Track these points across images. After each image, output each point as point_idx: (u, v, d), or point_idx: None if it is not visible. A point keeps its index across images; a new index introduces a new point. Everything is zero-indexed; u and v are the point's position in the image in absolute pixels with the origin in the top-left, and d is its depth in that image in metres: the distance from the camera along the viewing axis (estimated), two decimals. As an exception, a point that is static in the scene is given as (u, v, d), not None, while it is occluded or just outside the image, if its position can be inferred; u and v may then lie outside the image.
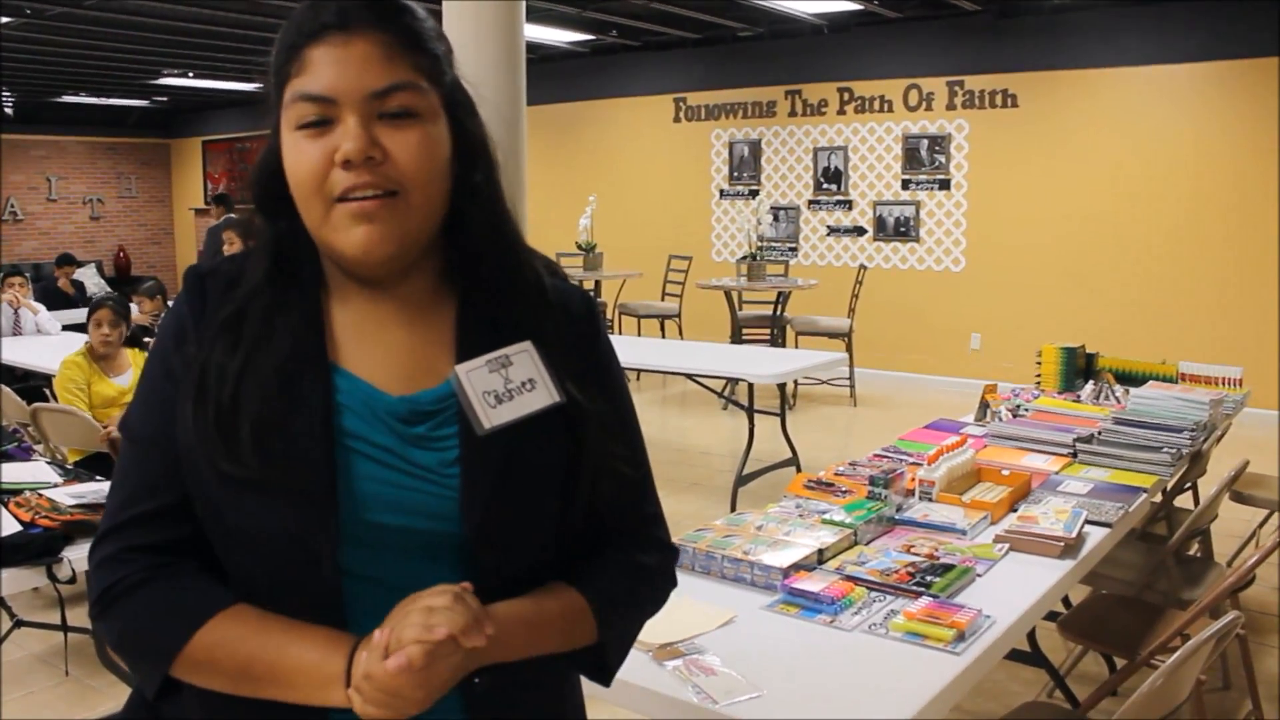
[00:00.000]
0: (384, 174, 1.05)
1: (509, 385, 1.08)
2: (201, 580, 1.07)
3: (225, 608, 1.05)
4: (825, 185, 10.02)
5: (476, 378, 1.07)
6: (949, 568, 2.23)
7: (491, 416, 1.06)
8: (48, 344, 7.02)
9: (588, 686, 1.27)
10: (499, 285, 1.15)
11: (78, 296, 10.43)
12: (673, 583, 1.28)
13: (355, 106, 1.04)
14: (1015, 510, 2.68)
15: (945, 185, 9.33)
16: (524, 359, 1.09)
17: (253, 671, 1.02)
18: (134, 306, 7.41)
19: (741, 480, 5.79)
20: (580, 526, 1.18)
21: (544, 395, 1.09)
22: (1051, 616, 3.13)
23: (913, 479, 2.75)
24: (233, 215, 10.96)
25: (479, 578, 1.07)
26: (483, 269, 1.15)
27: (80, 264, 12.27)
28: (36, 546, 2.67)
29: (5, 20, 8.32)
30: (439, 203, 1.10)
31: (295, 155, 1.06)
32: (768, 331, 8.69)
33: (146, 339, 5.18)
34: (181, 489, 1.08)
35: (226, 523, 1.06)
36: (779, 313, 8.65)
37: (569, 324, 1.19)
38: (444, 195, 1.11)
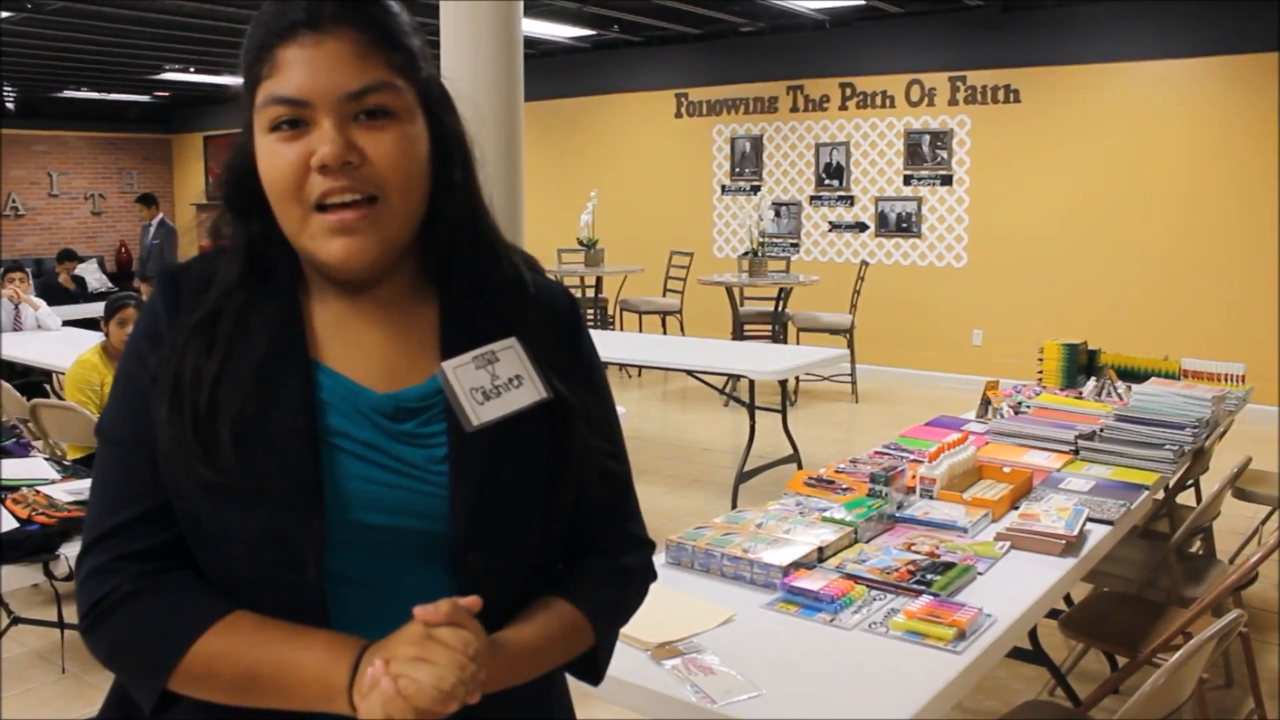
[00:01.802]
0: (362, 177, 1.02)
1: (496, 382, 1.06)
2: (196, 589, 1.04)
3: (222, 616, 1.02)
4: (827, 181, 10.00)
5: (464, 374, 1.05)
6: (950, 566, 2.22)
7: (480, 413, 1.04)
8: (49, 339, 7.02)
9: (585, 687, 1.26)
10: (479, 281, 1.14)
11: (78, 292, 10.43)
12: (653, 577, 1.27)
13: (330, 109, 1.02)
14: (1017, 508, 2.67)
15: (947, 181, 9.32)
16: (510, 355, 1.08)
17: (255, 682, 1.00)
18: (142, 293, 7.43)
19: (742, 477, 5.79)
20: (566, 523, 1.17)
21: (531, 392, 1.08)
22: (1053, 614, 3.12)
23: (914, 476, 2.73)
24: (166, 220, 11.02)
25: (467, 576, 1.06)
26: (458, 264, 1.13)
27: (81, 259, 12.28)
28: (34, 543, 2.66)
29: (6, 15, 8.31)
30: (418, 203, 1.08)
31: (270, 160, 1.04)
32: (769, 328, 8.69)
33: None
34: (165, 491, 1.05)
35: (205, 528, 1.04)
36: (780, 309, 8.64)
37: (551, 319, 1.18)
38: (423, 195, 1.09)
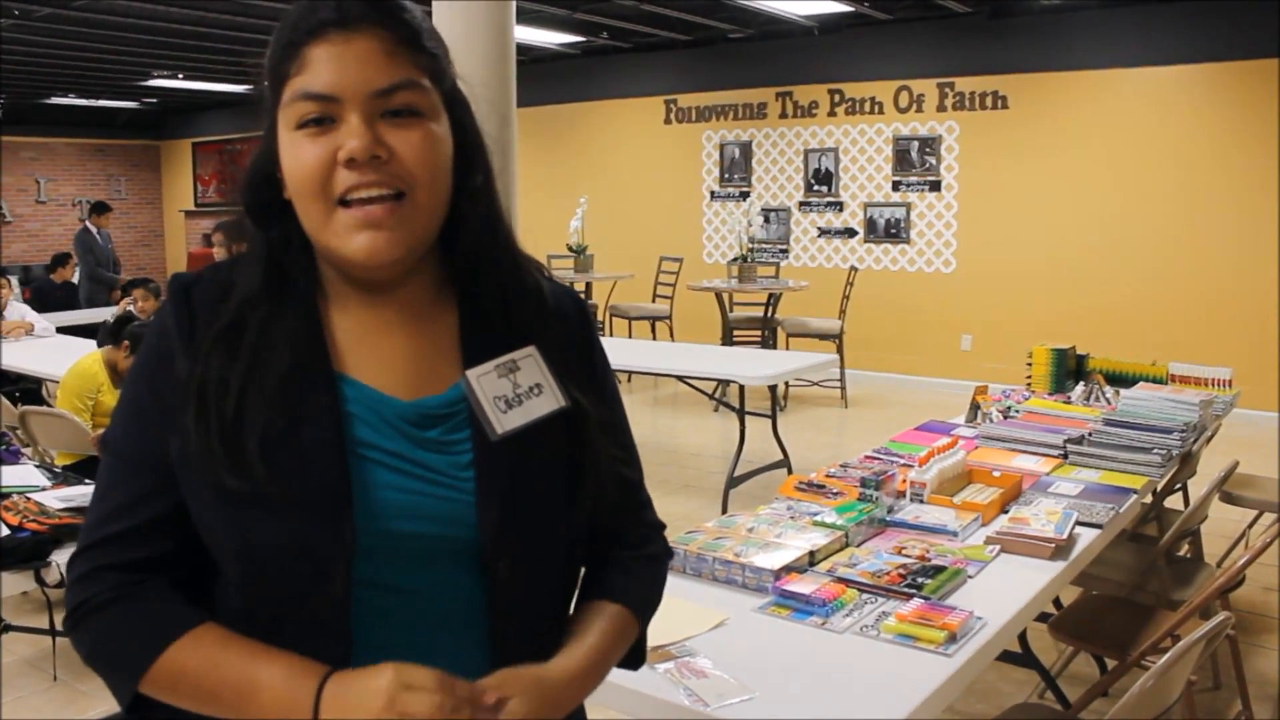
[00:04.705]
0: (390, 173, 1.03)
1: (517, 390, 1.08)
2: (169, 599, 1.05)
3: (192, 627, 1.03)
4: (816, 187, 10.03)
5: (486, 383, 1.07)
6: (940, 569, 2.23)
7: (503, 422, 1.06)
8: (42, 347, 6.97)
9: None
10: (499, 288, 1.14)
11: (66, 298, 10.38)
12: (670, 554, 1.34)
13: (358, 105, 1.02)
14: (1006, 512, 2.68)
15: (936, 187, 9.35)
16: (530, 364, 1.10)
17: (219, 692, 1.01)
18: (130, 304, 7.39)
19: (733, 482, 5.79)
20: (585, 528, 1.18)
21: (550, 400, 1.10)
22: (1043, 618, 3.14)
23: (904, 480, 2.75)
24: (102, 230, 10.98)
25: (494, 582, 1.08)
26: (482, 272, 1.14)
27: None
28: (25, 550, 2.66)
29: (-6, 21, 8.30)
30: (442, 203, 1.09)
31: (295, 155, 1.04)
32: (759, 333, 8.70)
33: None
34: (161, 506, 1.06)
35: (228, 539, 1.04)
36: (770, 314, 8.66)
37: (565, 326, 1.20)
38: (446, 195, 1.09)
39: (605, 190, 11.08)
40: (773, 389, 6.75)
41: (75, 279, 10.80)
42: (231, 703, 1.01)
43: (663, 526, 1.32)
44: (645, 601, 1.24)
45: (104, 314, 8.10)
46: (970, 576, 2.27)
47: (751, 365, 5.76)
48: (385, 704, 0.95)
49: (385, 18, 1.04)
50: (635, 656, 1.26)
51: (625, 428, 1.26)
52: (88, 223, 10.93)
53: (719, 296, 8.67)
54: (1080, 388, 3.99)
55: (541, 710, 1.04)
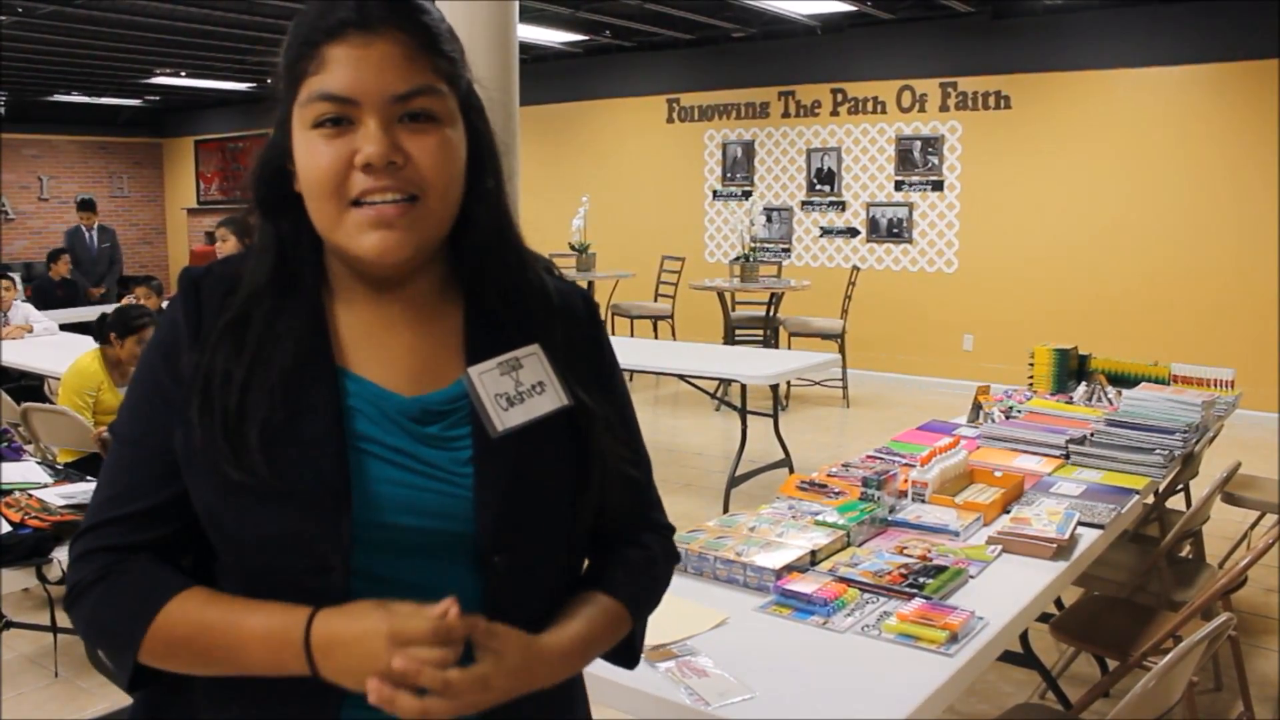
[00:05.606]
0: (404, 178, 1.04)
1: (519, 388, 1.09)
2: (155, 569, 1.07)
3: (177, 592, 1.05)
4: (818, 186, 10.03)
5: (489, 380, 1.08)
6: (942, 569, 2.23)
7: (504, 419, 1.07)
8: (44, 344, 6.96)
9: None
10: (505, 287, 1.15)
11: (67, 296, 10.37)
12: (677, 558, 1.33)
13: (377, 109, 1.03)
14: (1008, 512, 2.68)
15: (938, 187, 9.35)
16: (533, 361, 1.11)
17: (212, 650, 1.03)
18: (132, 301, 7.39)
19: (734, 481, 5.79)
20: (589, 527, 1.19)
21: (553, 398, 1.10)
22: (1044, 618, 3.14)
23: (905, 480, 2.74)
24: (105, 225, 11.00)
25: (492, 577, 1.08)
26: (488, 271, 1.15)
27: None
28: (26, 547, 2.66)
29: (-3, 18, 8.30)
30: (454, 206, 1.10)
31: (310, 155, 1.05)
32: (760, 332, 8.70)
33: None
34: (162, 493, 1.08)
35: (229, 531, 1.05)
36: (772, 314, 8.65)
37: (572, 325, 1.20)
38: (458, 198, 1.10)
39: (607, 189, 11.07)
40: (774, 388, 6.75)
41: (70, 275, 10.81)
42: (225, 659, 1.03)
43: (671, 530, 1.32)
44: (640, 598, 1.24)
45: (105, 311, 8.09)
46: (972, 576, 2.27)
47: (753, 364, 5.76)
48: (383, 663, 0.96)
49: (405, 20, 1.05)
50: (630, 654, 1.26)
51: (634, 428, 1.27)
52: (80, 222, 10.94)
53: (721, 296, 8.67)
54: (1082, 388, 3.99)
55: (519, 674, 1.05)
